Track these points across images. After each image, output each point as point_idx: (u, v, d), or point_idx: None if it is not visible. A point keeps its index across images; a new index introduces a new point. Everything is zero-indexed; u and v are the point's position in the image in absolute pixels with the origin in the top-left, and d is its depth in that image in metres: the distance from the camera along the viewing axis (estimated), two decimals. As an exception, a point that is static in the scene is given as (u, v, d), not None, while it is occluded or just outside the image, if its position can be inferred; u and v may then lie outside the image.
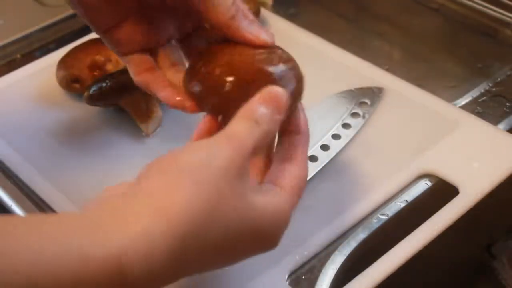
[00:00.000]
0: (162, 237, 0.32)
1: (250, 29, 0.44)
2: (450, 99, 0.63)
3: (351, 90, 0.62)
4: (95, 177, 0.56)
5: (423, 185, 0.54)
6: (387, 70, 0.66)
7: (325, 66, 0.64)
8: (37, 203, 0.54)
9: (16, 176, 0.57)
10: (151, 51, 0.49)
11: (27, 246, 0.31)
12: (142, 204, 0.33)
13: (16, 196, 0.55)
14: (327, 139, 0.57)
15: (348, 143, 0.57)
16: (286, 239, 0.50)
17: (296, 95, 0.43)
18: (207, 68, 0.44)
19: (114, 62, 0.62)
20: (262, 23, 0.71)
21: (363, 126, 0.58)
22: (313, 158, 0.55)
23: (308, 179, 0.54)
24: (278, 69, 0.43)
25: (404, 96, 0.61)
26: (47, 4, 0.80)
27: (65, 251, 0.31)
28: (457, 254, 0.58)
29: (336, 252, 0.49)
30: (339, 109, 0.60)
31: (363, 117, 0.59)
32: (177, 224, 0.33)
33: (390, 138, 0.57)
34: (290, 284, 0.47)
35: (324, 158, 0.55)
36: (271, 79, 0.42)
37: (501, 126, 0.59)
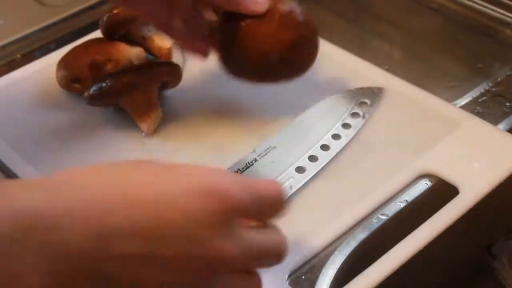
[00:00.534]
0: None
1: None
2: (450, 99, 0.63)
3: (351, 90, 0.62)
4: (95, 177, 0.56)
5: (423, 185, 0.54)
6: (387, 70, 0.66)
7: (325, 66, 0.64)
8: (37, 203, 0.54)
9: (16, 176, 0.56)
10: None
11: None
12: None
13: (16, 196, 0.55)
14: (327, 139, 0.57)
15: (348, 143, 0.57)
16: (286, 239, 0.50)
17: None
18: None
19: (114, 62, 0.62)
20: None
21: (363, 126, 0.58)
22: (313, 158, 0.55)
23: (308, 179, 0.54)
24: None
25: (404, 96, 0.61)
26: (47, 4, 0.80)
27: None
28: (457, 254, 0.58)
29: (336, 252, 0.49)
30: (339, 109, 0.60)
31: (363, 117, 0.59)
32: None
33: (390, 138, 0.57)
34: (290, 284, 0.47)
35: (324, 158, 0.55)
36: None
37: (501, 126, 0.59)
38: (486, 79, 0.66)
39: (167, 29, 0.58)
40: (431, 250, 0.48)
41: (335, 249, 0.49)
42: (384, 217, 0.51)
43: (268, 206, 0.37)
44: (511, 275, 0.60)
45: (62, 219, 0.32)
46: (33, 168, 0.57)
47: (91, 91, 0.58)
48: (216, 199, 0.34)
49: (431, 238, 0.49)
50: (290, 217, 0.51)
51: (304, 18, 0.56)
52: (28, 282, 0.32)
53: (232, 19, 0.55)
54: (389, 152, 0.56)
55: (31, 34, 0.74)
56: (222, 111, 0.62)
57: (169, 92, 0.63)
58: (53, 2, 0.80)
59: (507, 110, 0.61)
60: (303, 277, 0.48)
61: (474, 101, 0.63)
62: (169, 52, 0.65)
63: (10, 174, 0.57)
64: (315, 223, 0.51)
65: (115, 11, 0.64)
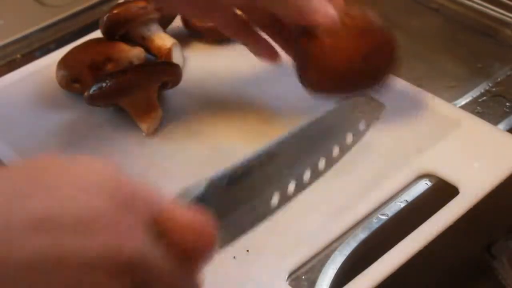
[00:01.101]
0: None
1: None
2: (450, 99, 0.63)
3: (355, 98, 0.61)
4: (95, 177, 0.56)
5: (423, 185, 0.54)
6: (387, 70, 0.66)
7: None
8: (37, 203, 0.54)
9: (16, 176, 0.56)
10: None
11: None
12: None
13: (16, 196, 0.55)
14: (328, 149, 0.57)
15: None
16: (286, 239, 0.50)
17: None
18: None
19: (114, 62, 0.62)
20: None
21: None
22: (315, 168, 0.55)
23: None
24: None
25: (404, 96, 0.61)
26: (47, 4, 0.80)
27: None
28: (457, 254, 0.58)
29: (336, 252, 0.49)
30: (345, 117, 0.59)
31: (366, 129, 0.59)
32: None
33: (390, 138, 0.57)
34: (290, 284, 0.47)
35: (324, 167, 0.55)
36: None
37: (501, 126, 0.59)
38: (486, 79, 0.66)
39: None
40: (431, 250, 0.48)
41: (335, 249, 0.49)
42: (384, 217, 0.51)
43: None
44: (511, 275, 0.60)
45: None
46: (33, 168, 0.57)
47: (91, 91, 0.58)
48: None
49: (431, 238, 0.49)
50: (290, 217, 0.52)
51: (377, 24, 0.54)
52: None
53: (306, 32, 0.54)
54: (389, 152, 0.56)
55: (31, 34, 0.74)
56: (222, 111, 0.62)
57: (169, 92, 0.63)
58: (53, 2, 0.80)
59: (507, 110, 0.61)
60: (303, 277, 0.48)
61: (474, 101, 0.63)
62: (169, 52, 0.65)
63: (10, 174, 0.57)
64: (315, 223, 0.51)
65: (115, 11, 0.64)
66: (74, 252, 0.28)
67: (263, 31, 0.59)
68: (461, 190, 0.52)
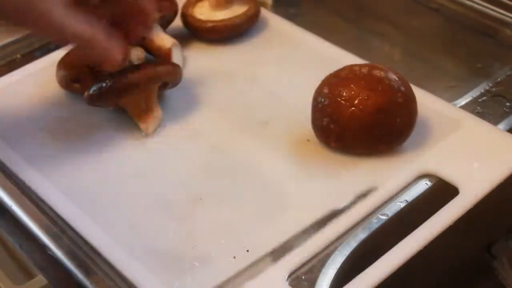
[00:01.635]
0: None
1: None
2: (450, 99, 0.63)
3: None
4: (95, 176, 0.56)
5: (423, 185, 0.54)
6: (387, 70, 0.66)
7: (325, 66, 0.64)
8: (37, 203, 0.54)
9: (16, 176, 0.57)
10: None
11: None
12: None
13: (16, 196, 0.55)
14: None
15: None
16: (286, 239, 0.50)
17: None
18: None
19: (114, 62, 0.62)
20: (262, 23, 0.72)
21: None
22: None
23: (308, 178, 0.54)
24: None
25: (404, 96, 0.61)
26: (47, 4, 0.80)
27: None
28: (457, 254, 0.58)
29: (336, 252, 0.49)
30: None
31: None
32: None
33: (390, 138, 0.57)
34: (290, 284, 0.47)
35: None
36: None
37: (501, 126, 0.59)
38: (486, 79, 0.66)
39: None
40: (431, 250, 0.48)
41: (335, 249, 0.49)
42: (384, 217, 0.51)
43: None
44: (511, 275, 0.60)
45: None
46: (33, 167, 0.57)
47: (91, 91, 0.58)
48: None
49: (431, 238, 0.49)
50: (290, 217, 0.52)
51: (397, 85, 0.54)
52: None
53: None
54: (389, 152, 0.56)
55: (31, 34, 0.74)
56: (222, 111, 0.62)
57: (169, 92, 0.63)
58: (53, 2, 0.79)
59: (507, 110, 0.61)
60: (303, 277, 0.48)
61: (474, 101, 0.63)
62: (169, 52, 0.65)
63: (10, 174, 0.57)
64: (315, 223, 0.51)
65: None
66: None
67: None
68: (461, 190, 0.52)
